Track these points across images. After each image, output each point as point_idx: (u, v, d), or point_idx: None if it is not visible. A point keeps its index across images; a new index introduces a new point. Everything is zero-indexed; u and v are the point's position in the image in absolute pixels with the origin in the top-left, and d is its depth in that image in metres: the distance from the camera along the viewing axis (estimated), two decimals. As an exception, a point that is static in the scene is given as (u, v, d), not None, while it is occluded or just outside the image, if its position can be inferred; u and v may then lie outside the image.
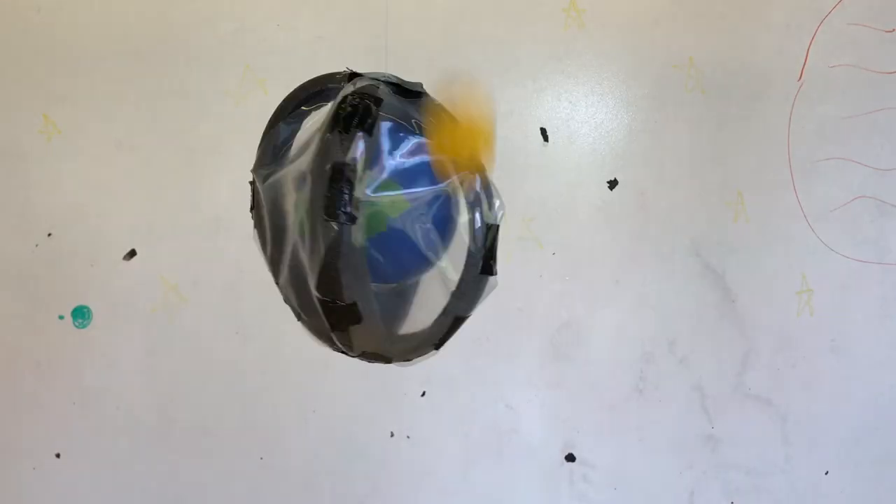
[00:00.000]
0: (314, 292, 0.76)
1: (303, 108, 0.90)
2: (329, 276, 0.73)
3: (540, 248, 1.20)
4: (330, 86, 0.88)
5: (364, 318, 0.77)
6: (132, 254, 1.18)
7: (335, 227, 0.71)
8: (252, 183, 0.91)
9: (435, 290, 0.88)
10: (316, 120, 0.87)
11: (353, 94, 0.76)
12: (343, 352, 0.84)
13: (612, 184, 1.20)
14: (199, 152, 1.17)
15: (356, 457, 1.22)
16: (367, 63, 1.15)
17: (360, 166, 0.72)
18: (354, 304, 0.75)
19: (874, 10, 1.19)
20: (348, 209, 0.72)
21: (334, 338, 0.81)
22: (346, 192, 0.71)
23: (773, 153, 1.20)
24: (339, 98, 0.78)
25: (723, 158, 1.20)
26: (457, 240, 0.87)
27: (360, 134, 0.73)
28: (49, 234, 1.18)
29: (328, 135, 0.73)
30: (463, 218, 0.87)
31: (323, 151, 0.73)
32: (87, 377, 1.20)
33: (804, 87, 1.20)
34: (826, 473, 1.26)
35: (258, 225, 0.90)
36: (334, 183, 0.71)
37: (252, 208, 0.92)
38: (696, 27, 1.18)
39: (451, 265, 0.87)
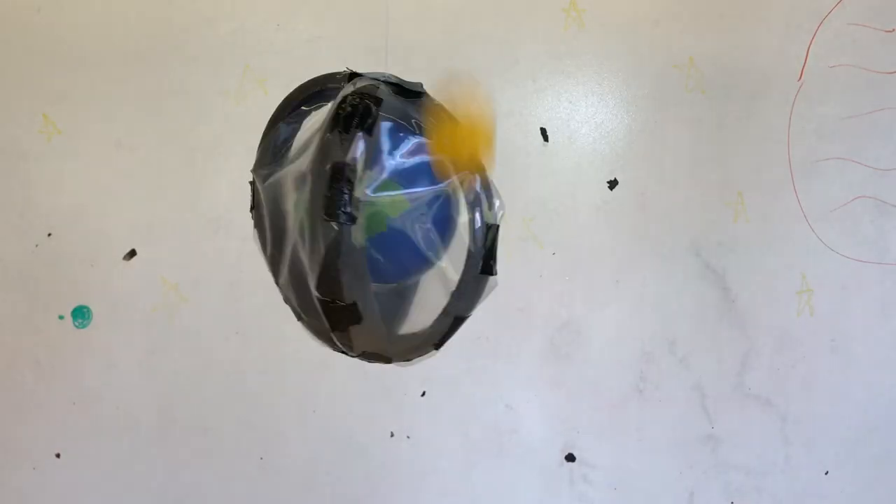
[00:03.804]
0: (314, 292, 0.76)
1: (303, 108, 0.90)
2: (329, 276, 0.74)
3: (540, 248, 1.20)
4: (330, 86, 0.89)
5: (364, 317, 0.77)
6: (132, 254, 1.18)
7: (335, 226, 0.72)
8: (252, 183, 0.91)
9: (435, 290, 0.88)
10: (316, 120, 0.88)
11: (353, 94, 0.77)
12: (343, 352, 0.84)
13: (612, 184, 1.20)
14: (199, 152, 1.17)
15: (356, 457, 1.22)
16: (367, 63, 1.15)
17: (360, 166, 0.73)
18: (354, 304, 0.76)
19: (874, 10, 1.19)
20: (348, 209, 0.72)
21: (334, 338, 0.81)
22: (346, 192, 0.72)
23: (773, 153, 1.20)
24: (339, 98, 0.78)
25: (723, 158, 1.20)
26: (457, 240, 0.87)
27: (360, 134, 0.73)
28: (49, 234, 1.18)
29: (328, 135, 0.74)
30: (463, 218, 0.87)
31: (323, 151, 0.74)
32: (87, 377, 1.20)
33: (804, 87, 1.20)
34: (826, 473, 1.26)
35: (258, 225, 0.90)
36: (334, 183, 0.72)
37: (252, 208, 0.92)
38: (696, 27, 1.18)
39: (451, 265, 0.87)
